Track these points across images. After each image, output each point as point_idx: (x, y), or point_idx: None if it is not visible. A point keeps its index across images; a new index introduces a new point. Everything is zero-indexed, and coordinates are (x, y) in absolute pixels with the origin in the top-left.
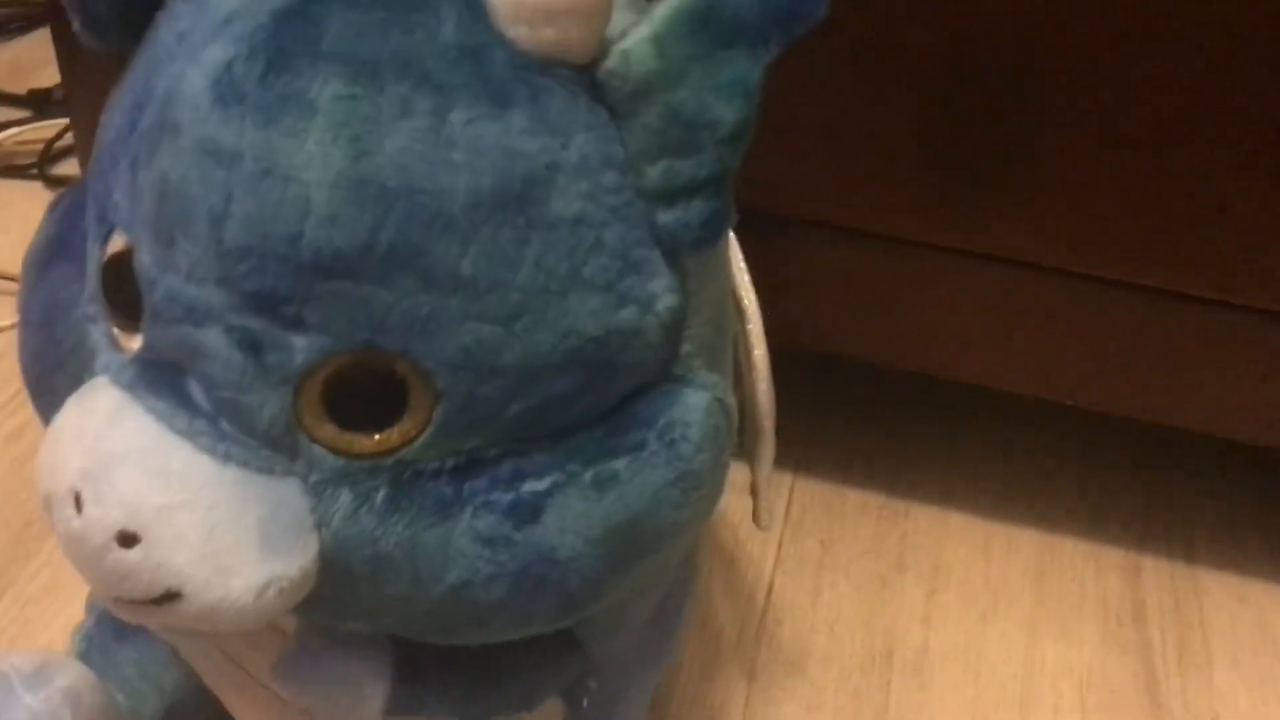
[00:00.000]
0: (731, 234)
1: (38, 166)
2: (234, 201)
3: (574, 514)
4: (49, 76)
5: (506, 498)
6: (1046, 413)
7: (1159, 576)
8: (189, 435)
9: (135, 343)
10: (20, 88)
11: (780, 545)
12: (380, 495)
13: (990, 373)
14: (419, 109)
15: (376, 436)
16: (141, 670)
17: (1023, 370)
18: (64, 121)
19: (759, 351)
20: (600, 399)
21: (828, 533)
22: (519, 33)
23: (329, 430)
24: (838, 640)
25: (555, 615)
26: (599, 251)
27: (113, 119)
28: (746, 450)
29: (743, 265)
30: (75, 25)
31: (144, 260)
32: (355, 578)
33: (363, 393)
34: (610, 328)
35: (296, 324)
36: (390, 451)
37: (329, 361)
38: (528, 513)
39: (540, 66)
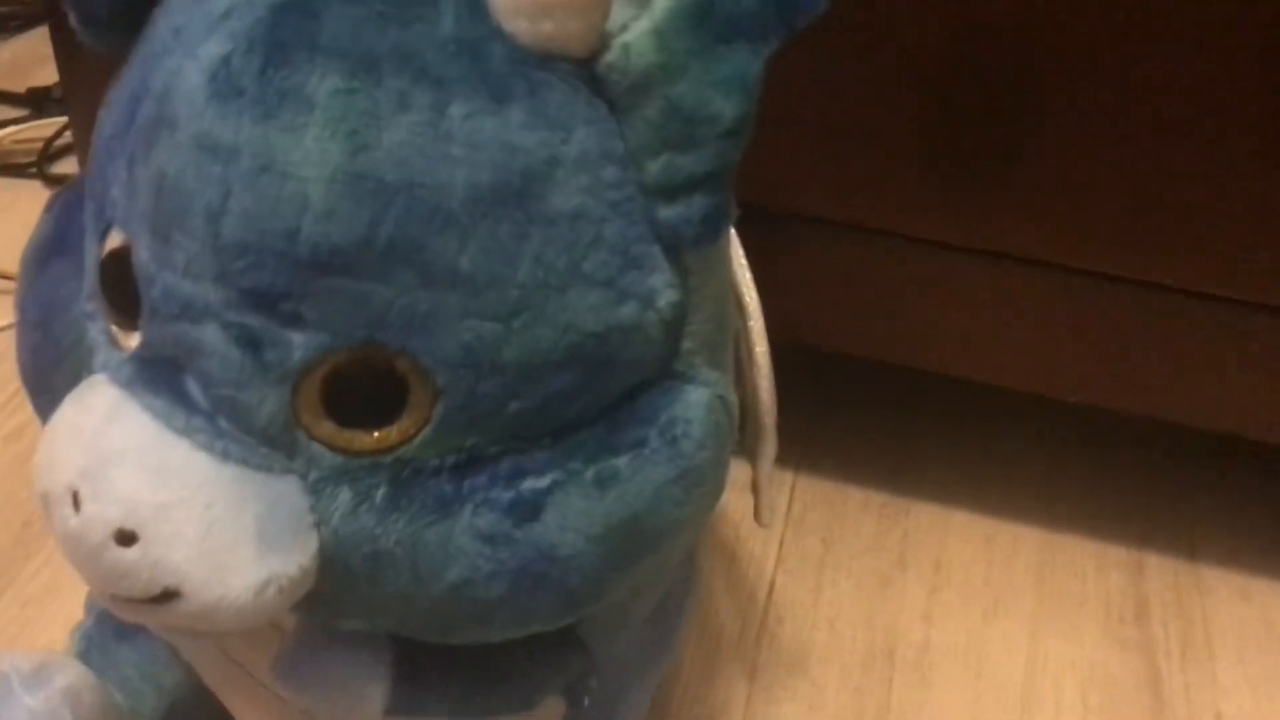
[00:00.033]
0: (732, 230)
1: (37, 165)
2: (232, 197)
3: (575, 512)
4: (48, 75)
5: (507, 495)
6: (1048, 410)
7: (1162, 573)
8: (187, 433)
9: (133, 340)
10: (19, 86)
11: (782, 543)
12: (380, 493)
13: (992, 369)
14: (417, 103)
15: (376, 434)
16: (141, 670)
17: (1024, 367)
18: (63, 120)
19: (760, 348)
20: (601, 396)
21: (829, 530)
22: (518, 26)
23: (328, 428)
24: (839, 638)
25: (556, 613)
26: (599, 247)
27: (110, 115)
28: (748, 447)
29: (744, 261)
30: (73, 22)
31: (142, 257)
32: (355, 576)
33: (362, 390)
34: (610, 324)
35: (295, 321)
36: (390, 449)
37: (327, 358)
38: (528, 510)
39: (539, 60)
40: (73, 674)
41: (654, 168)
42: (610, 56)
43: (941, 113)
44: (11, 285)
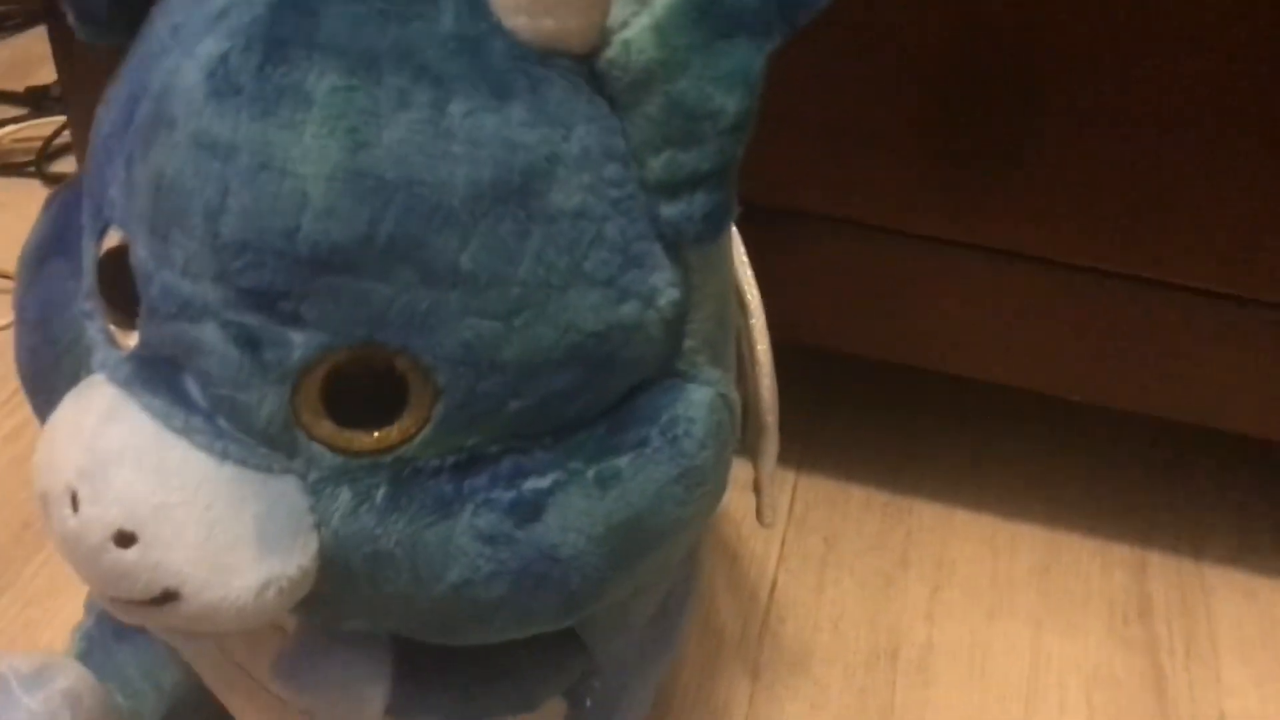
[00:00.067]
0: (734, 228)
1: (35, 164)
2: (230, 195)
3: (576, 512)
4: (47, 74)
5: (507, 495)
6: (1051, 408)
7: (1165, 572)
8: (186, 433)
9: (132, 339)
10: (18, 85)
11: (783, 542)
12: (380, 493)
13: (994, 368)
14: (417, 100)
15: (376, 434)
16: (142, 670)
17: (1027, 365)
18: (62, 119)
19: (762, 346)
20: (602, 395)
21: (831, 529)
22: (518, 23)
23: (328, 427)
24: (842, 638)
25: (557, 614)
26: (600, 245)
27: (108, 114)
28: (749, 446)
29: (745, 259)
30: (71, 20)
31: (140, 256)
32: (355, 576)
33: (362, 389)
34: (611, 323)
35: (294, 320)
36: (390, 449)
37: (327, 358)
38: (529, 510)
39: (540, 57)
40: (73, 675)
41: (655, 165)
42: (611, 53)
43: (942, 111)
44: (10, 285)
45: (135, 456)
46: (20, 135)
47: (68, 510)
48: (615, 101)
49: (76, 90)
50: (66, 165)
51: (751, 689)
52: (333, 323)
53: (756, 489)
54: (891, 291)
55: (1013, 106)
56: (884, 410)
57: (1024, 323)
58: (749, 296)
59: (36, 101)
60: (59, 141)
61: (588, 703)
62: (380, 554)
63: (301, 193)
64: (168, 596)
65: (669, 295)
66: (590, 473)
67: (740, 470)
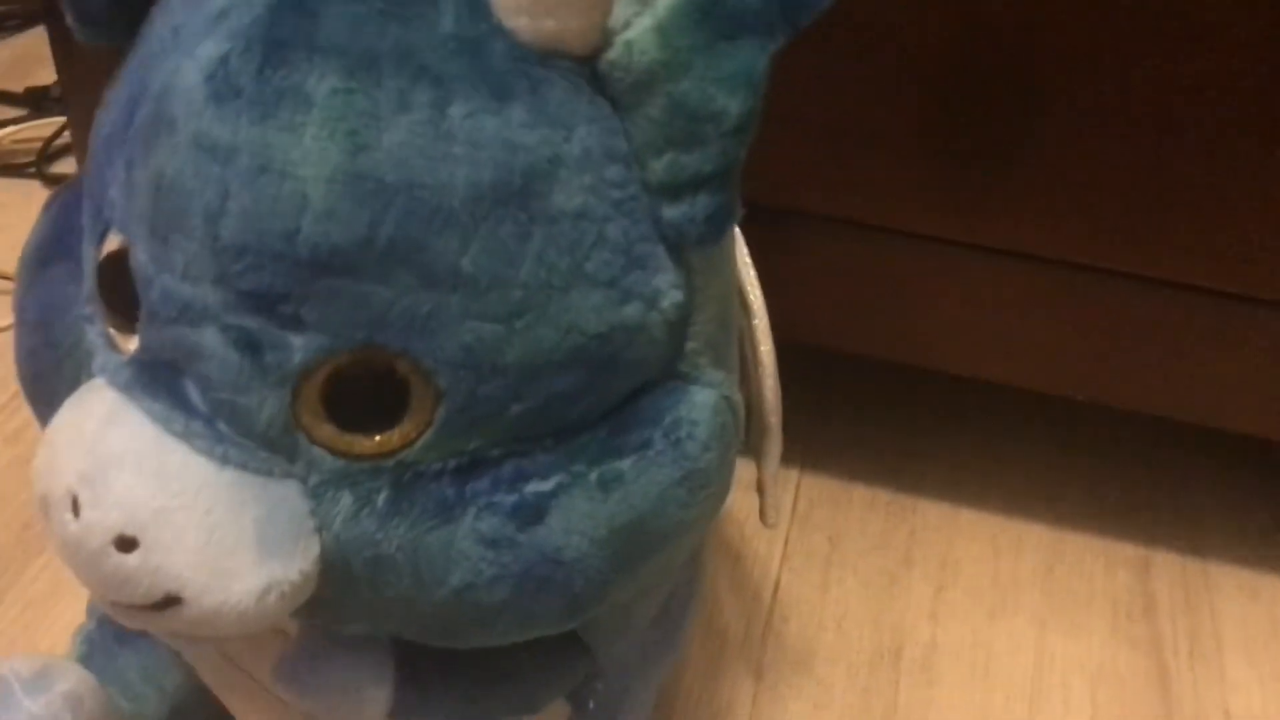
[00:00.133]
0: (737, 229)
1: (35, 165)
2: (230, 198)
3: (579, 515)
4: (46, 74)
5: (510, 499)
6: (1054, 407)
7: (1169, 571)
8: (186, 437)
9: (132, 343)
10: (18, 85)
11: (787, 542)
12: (381, 497)
13: (996, 367)
14: (417, 102)
15: (377, 437)
16: (143, 673)
17: (1029, 364)
18: (62, 119)
19: (765, 347)
20: (604, 397)
21: (835, 529)
22: (519, 24)
23: (328, 431)
24: (845, 637)
25: (559, 617)
26: (602, 246)
27: (108, 115)
28: (753, 447)
29: (748, 260)
30: (70, 21)
31: (140, 259)
32: (357, 580)
33: (363, 393)
34: (614, 324)
35: (294, 323)
36: (391, 453)
37: (328, 361)
38: (531, 514)
39: (541, 58)
40: (74, 678)
41: (658, 166)
42: (612, 54)
43: (943, 111)
44: (10, 286)
45: (136, 461)
46: (20, 136)
47: (68, 515)
48: (617, 103)
49: (76, 91)
50: (67, 166)
51: (755, 689)
52: (333, 326)
53: (760, 489)
54: (893, 291)
55: (1013, 106)
56: (887, 410)
57: (1026, 322)
58: (752, 297)
59: (36, 102)
60: (59, 142)
61: (590, 705)
62: (382, 558)
63: (301, 195)
64: (169, 601)
65: (672, 297)
66: (593, 475)
67: (744, 470)
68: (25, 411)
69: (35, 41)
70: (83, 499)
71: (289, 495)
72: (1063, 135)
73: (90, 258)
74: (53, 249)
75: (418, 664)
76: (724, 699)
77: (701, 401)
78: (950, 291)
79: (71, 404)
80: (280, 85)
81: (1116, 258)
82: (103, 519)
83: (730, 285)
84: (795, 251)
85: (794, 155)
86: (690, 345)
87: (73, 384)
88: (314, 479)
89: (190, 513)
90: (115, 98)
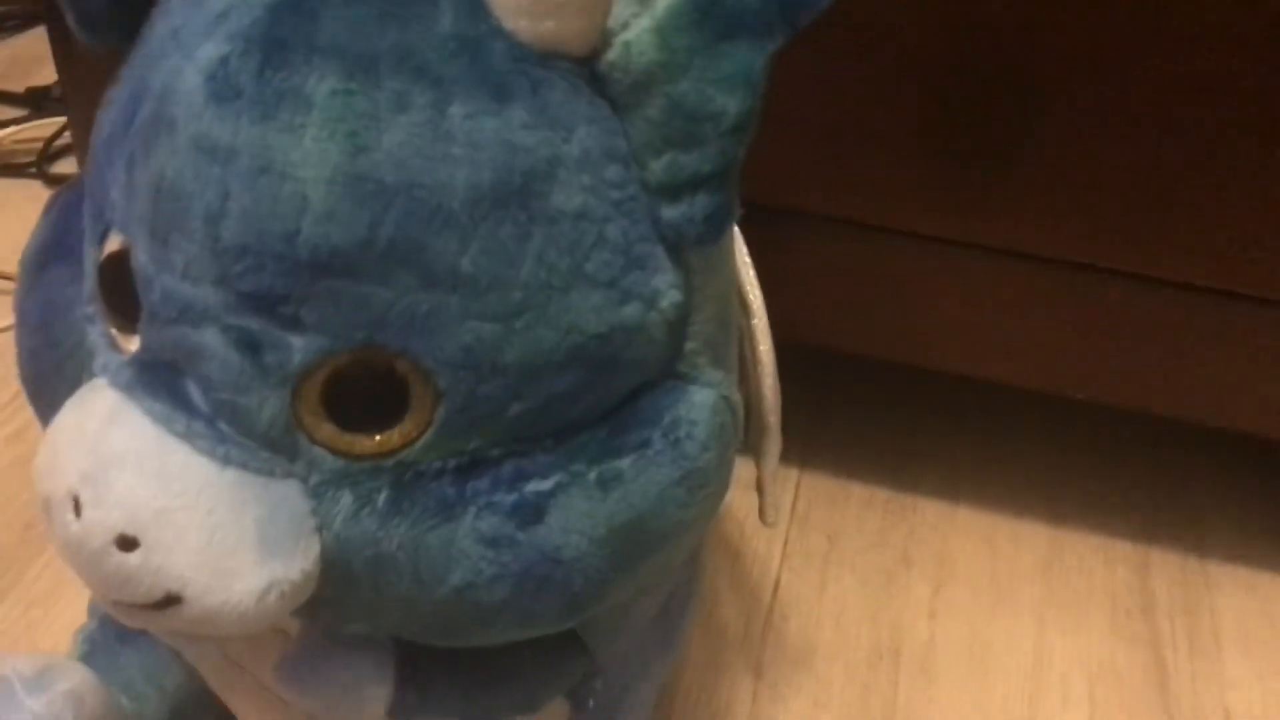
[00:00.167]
0: (736, 228)
1: (36, 165)
2: (230, 199)
3: (578, 514)
4: (47, 74)
5: (509, 498)
6: (1052, 406)
7: (1168, 568)
8: (187, 437)
9: (133, 344)
10: (18, 86)
11: (786, 540)
12: (382, 497)
13: (995, 366)
14: (417, 103)
15: (377, 437)
16: (144, 672)
17: (1028, 363)
18: (62, 120)
19: (764, 347)
20: (603, 397)
21: (834, 527)
22: (519, 25)
23: (329, 431)
24: (845, 635)
25: (559, 616)
26: (601, 247)
27: (108, 116)
28: (752, 446)
29: (747, 260)
30: (70, 22)
31: (141, 259)
32: (357, 580)
33: (363, 393)
34: (613, 324)
35: (294, 323)
36: (391, 452)
37: (328, 361)
38: (531, 513)
39: (540, 59)
40: (76, 677)
41: (657, 167)
42: (611, 55)
43: (942, 110)
44: (11, 286)
45: (137, 461)
46: (21, 136)
47: (70, 515)
48: (616, 103)
49: (77, 91)
50: (68, 166)
51: (755, 687)
52: (333, 326)
53: (759, 488)
54: (892, 291)
55: (1013, 106)
56: (886, 409)
57: (1025, 321)
58: (751, 297)
59: (37, 102)
60: (60, 142)
61: (590, 703)
62: (382, 557)
63: (301, 196)
64: (170, 600)
65: (671, 297)
66: (592, 475)
67: (743, 469)
68: (26, 411)
69: (36, 41)
70: (84, 499)
71: (290, 495)
72: (1063, 135)
73: (91, 258)
74: (54, 249)
75: (418, 663)
76: (724, 697)
77: (700, 401)
78: (950, 291)
79: (73, 404)
80: (280, 86)
81: (1116, 258)
82: (104, 519)
83: (729, 285)
84: (795, 251)
85: (794, 155)
86: (689, 345)
87: (74, 384)
88: (315, 479)
89: (191, 513)
90: (116, 99)
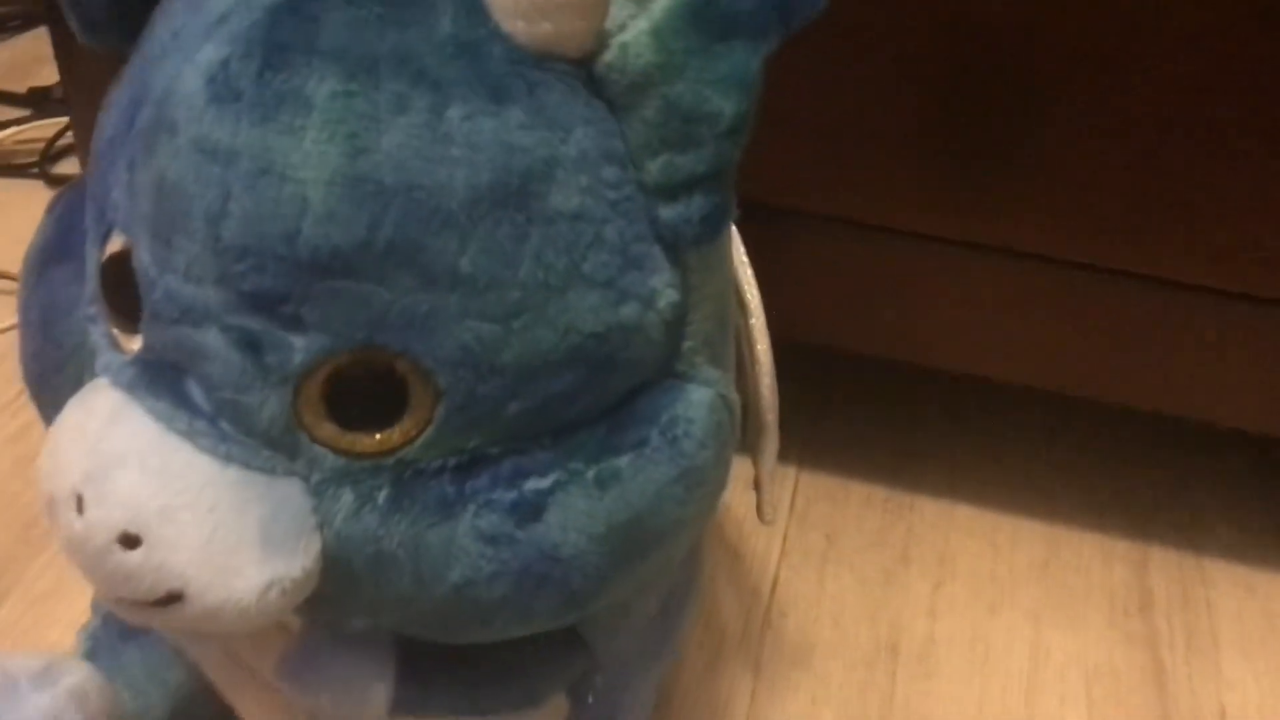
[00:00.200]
0: (734, 228)
1: (38, 165)
2: (231, 200)
3: (576, 512)
4: (49, 75)
5: (509, 496)
6: (1051, 404)
7: (1166, 567)
8: (189, 436)
9: (135, 343)
10: (20, 86)
11: (785, 539)
12: (382, 495)
13: (993, 364)
14: (416, 105)
15: (378, 436)
16: (147, 669)
17: (1026, 362)
18: (64, 120)
19: (762, 346)
20: (601, 396)
21: (833, 526)
22: (516, 27)
23: (330, 430)
24: (843, 633)
25: (558, 613)
26: (599, 247)
27: (110, 118)
28: (750, 445)
29: (745, 259)
30: (72, 25)
31: (142, 260)
32: (358, 577)
33: (363, 392)
34: (611, 324)
35: (295, 323)
36: (391, 451)
37: (328, 361)
38: (530, 511)
39: (538, 61)
40: (79, 674)
41: (653, 167)
42: (608, 56)
43: (941, 109)
44: (14, 286)
45: (139, 459)
46: (23, 136)
47: (73, 513)
48: (613, 104)
49: (79, 91)
50: (69, 166)
51: (753, 684)
52: (333, 326)
53: (757, 486)
54: (891, 289)
55: (1012, 106)
56: (884, 407)
57: (1024, 321)
58: (749, 296)
59: (39, 103)
60: (62, 143)
61: (590, 699)
62: (383, 554)
63: (302, 198)
64: (172, 598)
65: (668, 297)
66: (590, 473)
67: (742, 468)
68: (28, 411)
69: (37, 42)
70: (87, 497)
71: (291, 493)
72: (1063, 135)
73: (93, 258)
74: (56, 250)
75: (419, 660)
76: (723, 694)
77: (698, 400)
78: (949, 290)
79: (75, 403)
80: (280, 89)
81: (1116, 257)
82: (107, 517)
83: (727, 284)
84: (795, 250)
85: (793, 154)
86: (687, 344)
87: (76, 384)
88: (315, 477)
89: (193, 511)
90: (117, 100)
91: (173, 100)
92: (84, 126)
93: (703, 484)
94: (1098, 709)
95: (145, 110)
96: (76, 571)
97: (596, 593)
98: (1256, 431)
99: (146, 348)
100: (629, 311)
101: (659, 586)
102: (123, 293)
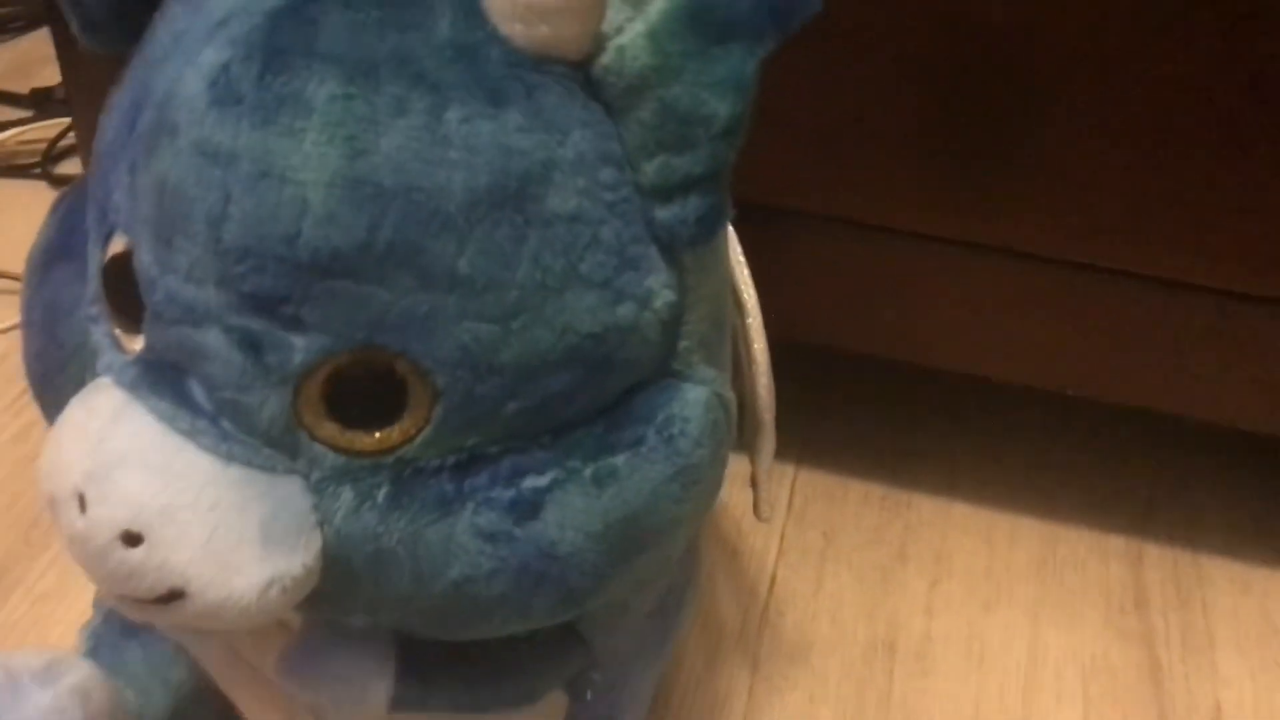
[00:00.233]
0: (730, 228)
1: (40, 166)
2: (232, 202)
3: (574, 510)
4: (51, 75)
5: (507, 494)
6: (1049, 403)
7: (1162, 564)
8: (191, 435)
9: (137, 343)
10: (22, 87)
11: (783, 536)
12: (382, 493)
13: (991, 364)
14: (415, 108)
15: (377, 435)
16: (149, 667)
17: (1024, 361)
18: (66, 120)
19: (758, 345)
20: (599, 396)
21: (830, 524)
22: (514, 30)
23: (330, 429)
24: (841, 630)
25: (556, 610)
26: (596, 248)
27: (111, 120)
28: (747, 443)
29: (742, 259)
30: (73, 27)
31: (144, 261)
32: (358, 574)
33: (363, 391)
34: (608, 325)
35: (295, 324)
36: (391, 449)
37: (328, 361)
38: (528, 509)
39: (535, 63)
40: (82, 672)
41: (649, 169)
42: (605, 59)
43: (940, 109)
44: (16, 285)
45: (141, 458)
46: (25, 137)
47: (75, 512)
48: (610, 107)
49: (81, 92)
50: (72, 167)
51: (751, 681)
52: (333, 326)
53: (754, 484)
54: (888, 289)
55: (1012, 106)
56: (882, 406)
57: (1023, 320)
58: (745, 296)
59: (41, 103)
60: (64, 143)
61: (588, 695)
62: (382, 552)
63: (302, 200)
64: (174, 595)
65: (664, 297)
66: (588, 471)
67: (739, 466)
68: (31, 410)
69: (39, 43)
70: (89, 496)
71: (292, 491)
72: (1062, 135)
73: (95, 259)
74: (59, 250)
75: (419, 656)
76: (721, 691)
77: (694, 399)
78: (948, 290)
79: (77, 403)
80: (280, 91)
81: (1116, 257)
82: (109, 515)
83: (723, 284)
84: (793, 251)
85: (791, 154)
86: (683, 344)
87: (78, 383)
88: (316, 475)
89: (195, 509)
90: (118, 103)
91: (174, 103)
92: (86, 127)
93: (698, 482)
94: (1094, 706)
95: (147, 113)
96: (79, 571)
97: (594, 590)
98: (1253, 430)
99: (148, 348)
100: (626, 312)
101: (656, 584)
102: (125, 293)
